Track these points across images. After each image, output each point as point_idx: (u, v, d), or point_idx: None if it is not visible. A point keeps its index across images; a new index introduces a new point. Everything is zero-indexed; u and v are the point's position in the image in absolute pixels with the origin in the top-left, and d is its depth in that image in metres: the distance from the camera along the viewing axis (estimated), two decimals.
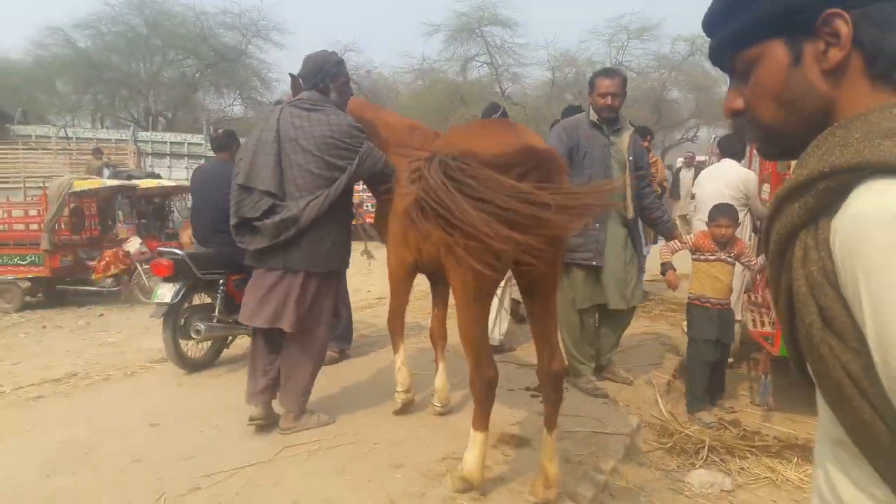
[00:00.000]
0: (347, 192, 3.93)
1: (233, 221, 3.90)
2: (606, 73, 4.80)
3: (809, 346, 0.89)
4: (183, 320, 5.20)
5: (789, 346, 0.97)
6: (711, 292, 4.73)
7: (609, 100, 4.63)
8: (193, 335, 5.16)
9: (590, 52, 33.65)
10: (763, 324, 4.81)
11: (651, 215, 4.96)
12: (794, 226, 0.90)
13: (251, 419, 3.96)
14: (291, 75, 4.05)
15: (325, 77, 3.92)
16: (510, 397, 4.58)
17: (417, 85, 32.50)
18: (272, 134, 3.79)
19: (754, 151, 5.91)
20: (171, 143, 20.28)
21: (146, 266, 9.71)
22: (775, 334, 4.59)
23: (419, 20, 57.38)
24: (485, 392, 3.17)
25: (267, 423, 3.99)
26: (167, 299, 5.00)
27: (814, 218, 0.88)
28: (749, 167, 5.90)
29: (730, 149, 6.00)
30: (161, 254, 5.29)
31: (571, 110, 6.27)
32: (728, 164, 5.92)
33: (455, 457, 3.55)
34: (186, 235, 11.21)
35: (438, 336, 4.40)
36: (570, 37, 65.68)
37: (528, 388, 4.81)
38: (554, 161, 2.88)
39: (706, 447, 4.17)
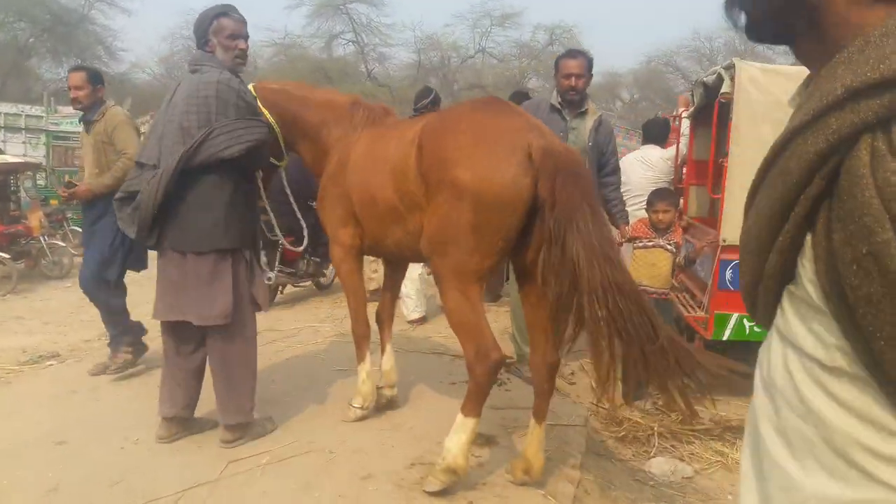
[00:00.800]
0: (224, 166, 3.32)
1: (116, 196, 3.49)
2: (570, 53, 4.67)
3: (871, 265, 0.78)
4: None
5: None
6: (648, 280, 4.72)
7: (573, 81, 4.50)
8: (266, 282, 5.53)
9: (454, 36, 33.74)
10: (696, 309, 4.89)
11: (606, 205, 4.85)
12: (863, 125, 0.78)
13: (159, 438, 3.52)
14: None
15: (205, 34, 3.43)
16: (456, 392, 4.35)
17: (279, 60, 31.15)
18: (165, 103, 3.44)
19: (681, 137, 5.99)
20: (5, 114, 18.04)
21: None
22: (709, 319, 4.67)
23: None
24: (487, 376, 2.98)
25: (180, 436, 3.56)
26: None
27: (886, 121, 0.76)
28: (676, 151, 5.98)
29: (652, 134, 6.07)
30: None
31: (518, 95, 6.29)
32: (650, 149, 5.99)
33: (423, 461, 3.29)
34: (36, 218, 10.00)
35: (387, 315, 4.16)
36: (436, 20, 65.41)
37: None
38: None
39: (655, 434, 4.17)
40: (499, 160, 2.82)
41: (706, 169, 5.31)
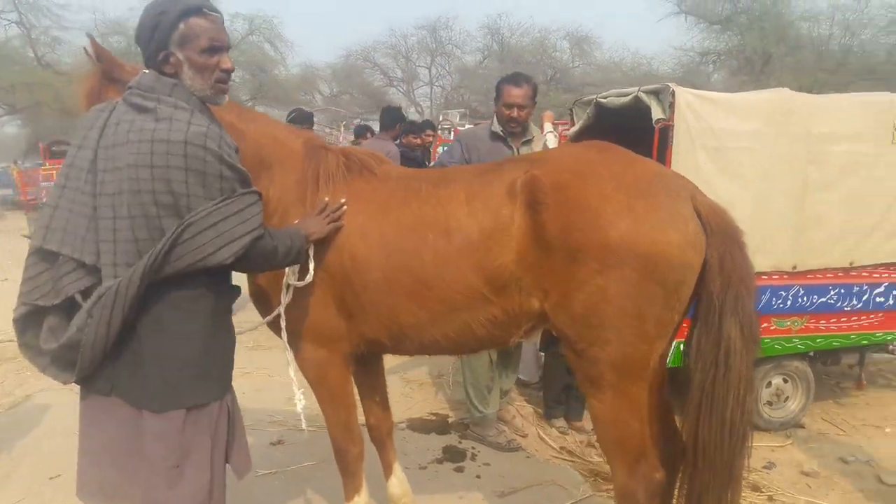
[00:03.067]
0: (197, 276, 2.08)
1: (17, 312, 2.11)
2: (514, 80, 4.09)
3: None
4: None
5: None
6: None
7: (515, 112, 4.00)
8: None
9: None
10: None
11: None
12: None
13: None
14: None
15: (163, 44, 2.07)
16: (442, 479, 3.64)
17: None
18: (89, 155, 2.05)
19: None
20: None
21: None
22: None
23: None
24: (651, 501, 2.41)
25: None
26: None
27: None
28: None
29: None
30: None
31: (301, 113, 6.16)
32: None
33: None
34: None
35: (385, 431, 3.18)
36: (120, 2, 56.82)
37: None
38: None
39: None
40: (671, 213, 2.27)
41: None
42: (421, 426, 4.34)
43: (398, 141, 7.06)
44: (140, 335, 2.02)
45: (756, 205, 4.43)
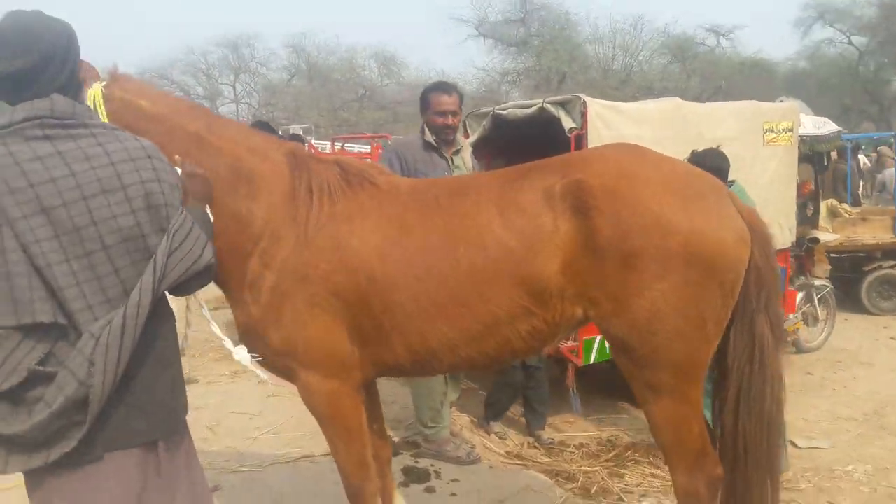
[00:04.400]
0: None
1: None
2: (443, 88, 4.08)
3: None
4: None
5: None
6: None
7: (449, 119, 3.98)
8: None
9: None
10: (566, 339, 4.90)
11: None
12: None
13: None
14: None
15: (73, 65, 1.85)
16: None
17: None
18: (25, 200, 1.71)
19: None
20: None
21: None
22: (578, 347, 4.76)
23: None
24: (711, 499, 2.44)
25: None
26: None
27: None
28: None
29: None
30: None
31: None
32: None
33: None
34: None
35: (385, 460, 2.99)
36: None
37: None
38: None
39: (603, 477, 4.06)
40: (721, 213, 2.32)
41: None
42: None
43: None
44: (128, 372, 1.81)
45: None
